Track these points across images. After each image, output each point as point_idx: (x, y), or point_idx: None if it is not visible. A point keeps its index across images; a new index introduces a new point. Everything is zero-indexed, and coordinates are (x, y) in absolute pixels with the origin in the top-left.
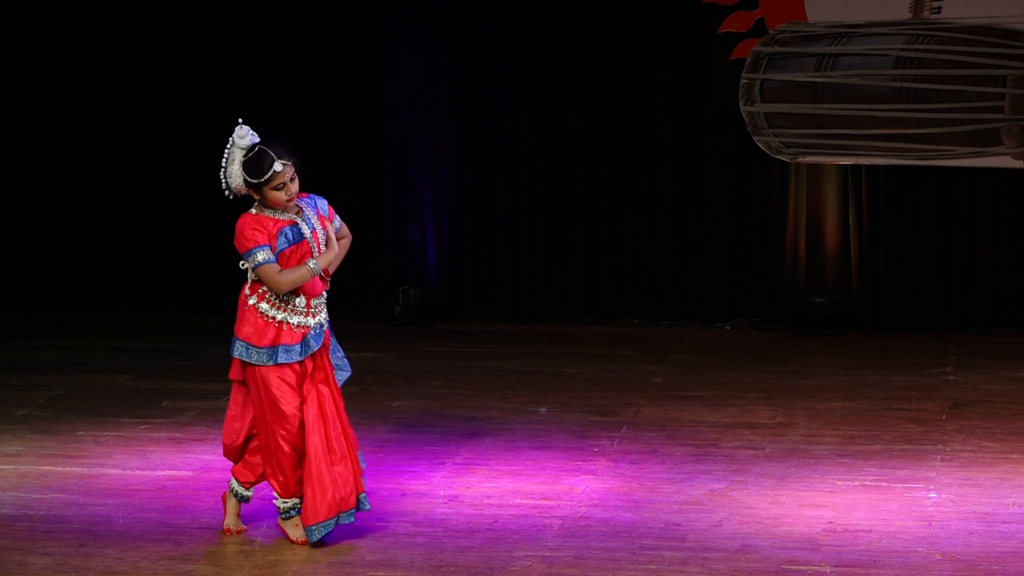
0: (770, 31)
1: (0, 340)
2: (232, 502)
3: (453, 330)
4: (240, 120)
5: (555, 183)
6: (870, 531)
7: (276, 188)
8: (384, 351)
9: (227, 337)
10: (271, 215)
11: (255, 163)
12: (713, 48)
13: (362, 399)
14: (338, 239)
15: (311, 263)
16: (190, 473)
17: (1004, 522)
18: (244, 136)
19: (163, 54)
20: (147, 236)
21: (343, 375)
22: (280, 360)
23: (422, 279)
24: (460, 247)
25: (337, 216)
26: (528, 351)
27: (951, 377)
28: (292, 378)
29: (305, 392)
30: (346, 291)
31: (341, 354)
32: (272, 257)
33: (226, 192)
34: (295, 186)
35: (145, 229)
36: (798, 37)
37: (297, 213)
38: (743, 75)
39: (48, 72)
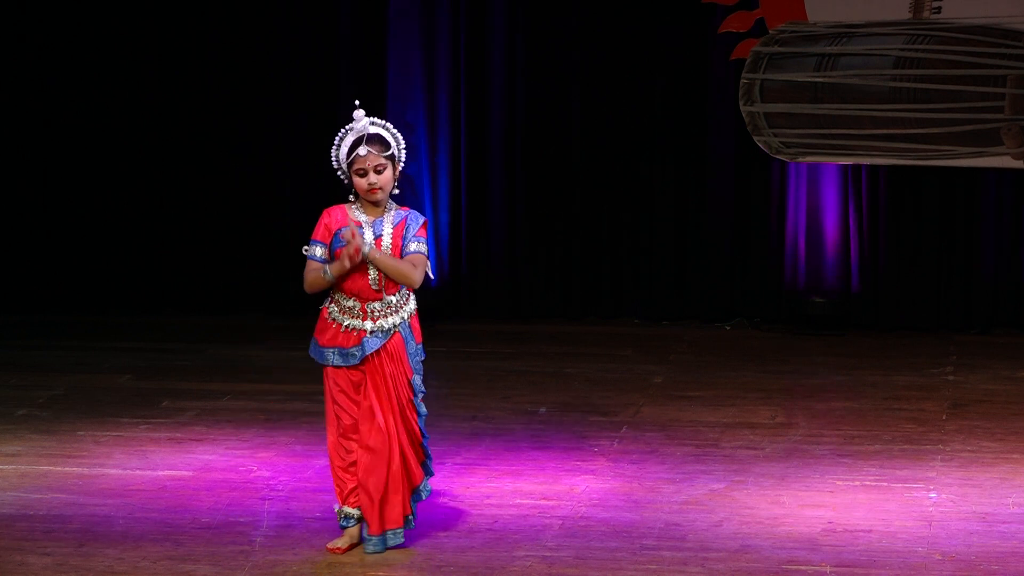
0: (770, 31)
1: (0, 340)
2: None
3: (453, 330)
4: (357, 103)
5: (555, 183)
6: (870, 531)
7: (358, 173)
8: None
9: (227, 337)
10: (355, 210)
11: (350, 145)
12: (713, 48)
13: None
14: (403, 261)
15: (326, 268)
16: (190, 473)
17: (1004, 522)
18: (359, 119)
19: (163, 54)
20: (147, 236)
21: (421, 383)
22: (332, 362)
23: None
24: (460, 247)
25: (419, 241)
26: (528, 351)
27: (951, 377)
28: (348, 386)
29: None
30: None
31: (419, 359)
32: (318, 255)
33: (339, 174)
34: (380, 178)
35: (145, 229)
36: (798, 37)
37: (381, 215)
38: (743, 75)
39: (48, 72)
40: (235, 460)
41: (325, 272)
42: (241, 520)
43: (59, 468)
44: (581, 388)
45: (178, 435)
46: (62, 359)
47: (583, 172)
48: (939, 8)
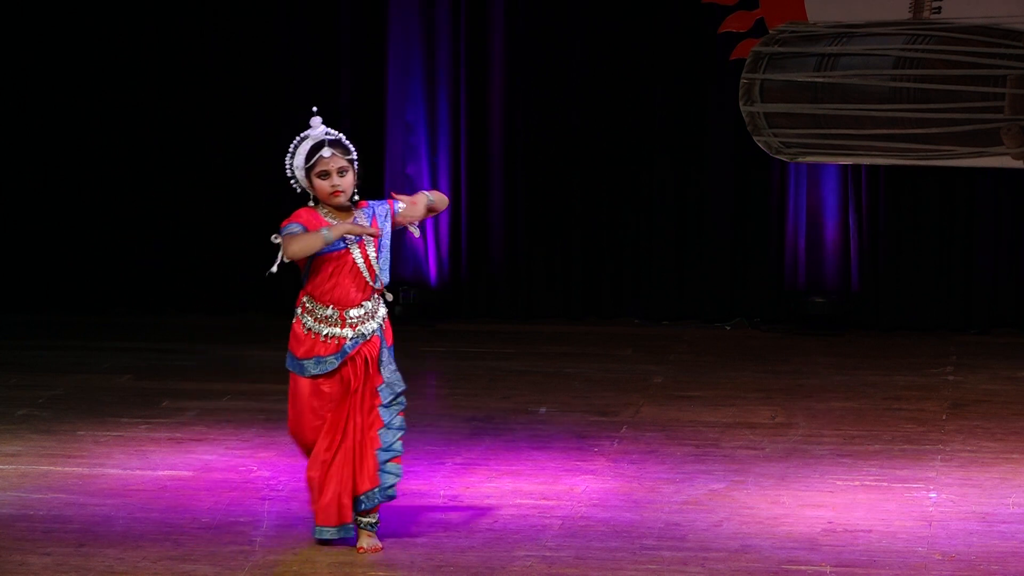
0: (770, 31)
1: (0, 340)
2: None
3: (453, 330)
4: (315, 109)
5: (555, 183)
6: (870, 531)
7: (320, 176)
8: None
9: (227, 337)
10: (326, 214)
11: (309, 150)
12: (713, 48)
13: None
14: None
15: (324, 230)
16: (190, 473)
17: (1004, 522)
18: (316, 126)
19: (163, 54)
20: (148, 236)
21: (390, 391)
22: (310, 373)
23: (422, 279)
24: (460, 247)
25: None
26: (528, 351)
27: (951, 377)
28: (327, 392)
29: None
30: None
31: (392, 368)
32: (299, 229)
33: (292, 182)
34: (343, 181)
35: (146, 229)
36: (798, 37)
37: (350, 217)
38: (743, 75)
39: (49, 72)
40: (235, 460)
41: (326, 234)
42: (241, 520)
43: (59, 468)
44: (581, 388)
45: (178, 435)
46: (62, 359)
47: (583, 172)
48: (939, 8)
